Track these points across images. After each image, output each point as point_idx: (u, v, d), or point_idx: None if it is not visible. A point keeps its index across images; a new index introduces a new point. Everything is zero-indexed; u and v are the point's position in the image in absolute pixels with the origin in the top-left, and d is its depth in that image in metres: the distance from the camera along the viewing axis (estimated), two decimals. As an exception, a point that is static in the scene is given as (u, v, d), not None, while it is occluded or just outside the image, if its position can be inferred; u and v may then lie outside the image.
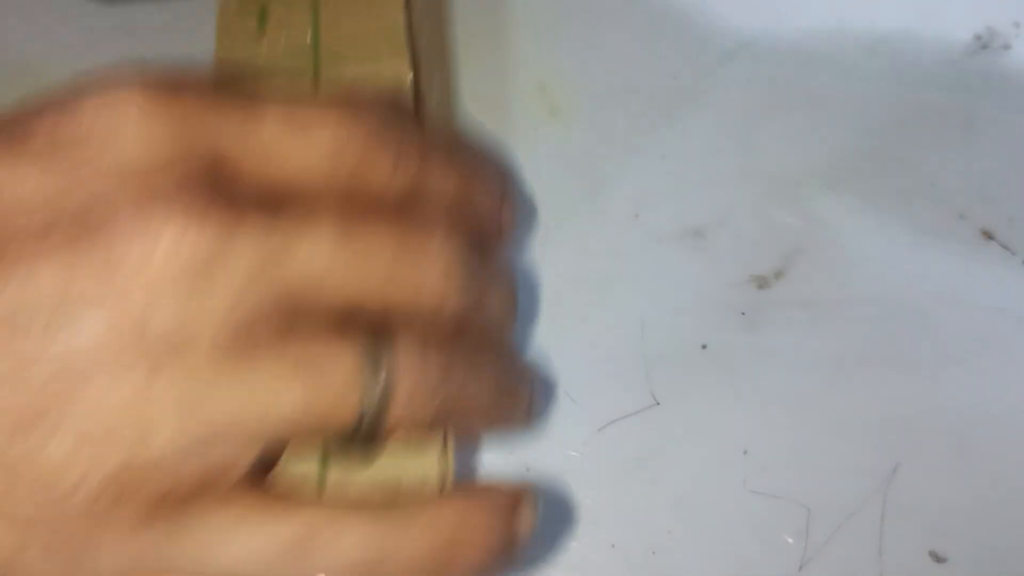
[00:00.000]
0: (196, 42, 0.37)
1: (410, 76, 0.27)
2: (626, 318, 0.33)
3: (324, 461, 0.22)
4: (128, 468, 0.18)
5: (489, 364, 0.22)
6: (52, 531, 0.18)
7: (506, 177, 0.25)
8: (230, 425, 0.18)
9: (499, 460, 0.31)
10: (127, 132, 0.18)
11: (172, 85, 0.19)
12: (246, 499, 0.19)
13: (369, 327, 0.20)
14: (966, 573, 0.30)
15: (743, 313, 0.33)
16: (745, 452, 0.32)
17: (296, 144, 0.20)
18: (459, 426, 0.23)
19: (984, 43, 0.38)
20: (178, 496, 0.19)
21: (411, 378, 0.20)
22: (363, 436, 0.20)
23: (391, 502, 0.20)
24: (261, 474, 0.20)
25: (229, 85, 0.21)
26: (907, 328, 0.33)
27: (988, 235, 0.35)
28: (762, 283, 0.34)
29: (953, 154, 0.36)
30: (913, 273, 0.34)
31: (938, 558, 0.30)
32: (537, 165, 0.35)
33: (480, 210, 0.23)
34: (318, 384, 0.19)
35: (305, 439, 0.20)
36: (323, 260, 0.19)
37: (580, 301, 0.34)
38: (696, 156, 0.36)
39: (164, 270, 0.18)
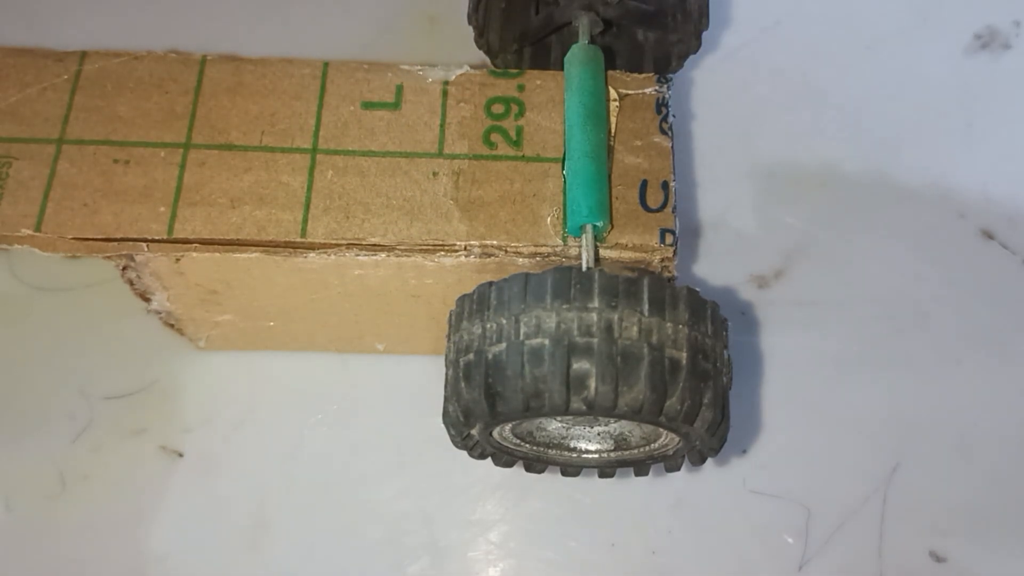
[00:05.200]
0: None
1: None
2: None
3: None
4: None
5: None
6: None
7: None
8: None
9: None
10: None
11: None
12: None
13: None
14: (966, 573, 0.30)
15: (743, 313, 0.33)
16: (745, 452, 0.32)
17: None
18: None
19: (984, 43, 0.38)
20: None
21: None
22: None
23: None
24: None
25: None
26: (907, 328, 0.33)
27: (988, 235, 0.35)
28: (762, 283, 0.34)
29: (953, 153, 0.36)
30: (913, 273, 0.34)
31: (938, 558, 0.30)
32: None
33: None
34: None
35: None
36: None
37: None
38: (696, 156, 0.36)
39: None
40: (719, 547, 0.30)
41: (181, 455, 0.31)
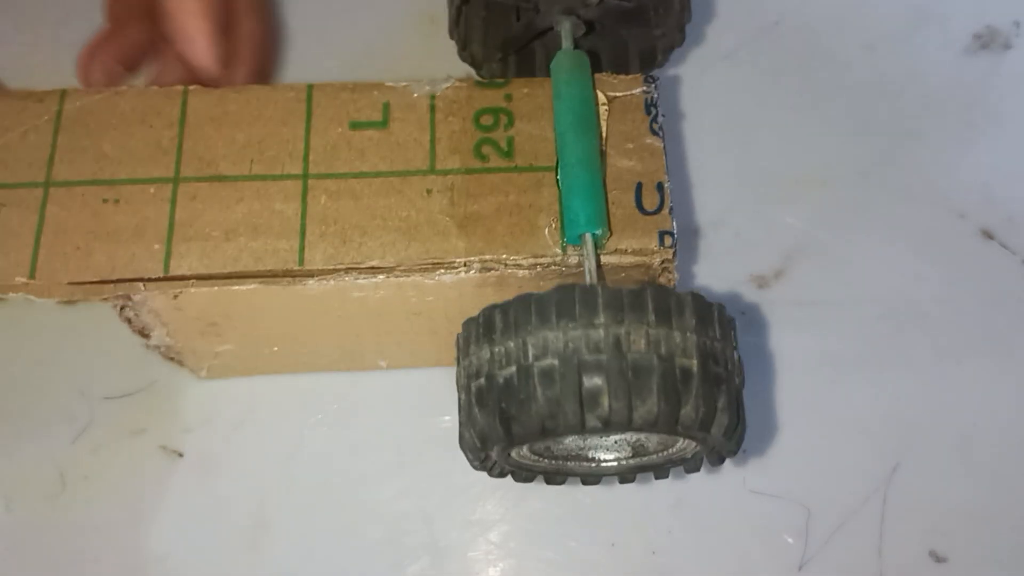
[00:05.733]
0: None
1: None
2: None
3: None
4: None
5: None
6: None
7: None
8: None
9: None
10: None
11: None
12: None
13: None
14: (966, 573, 0.30)
15: (743, 313, 0.33)
16: (745, 452, 0.32)
17: None
18: None
19: (984, 43, 0.38)
20: None
21: None
22: None
23: None
24: None
25: None
26: (907, 328, 0.33)
27: (988, 235, 0.35)
28: (762, 283, 0.34)
29: (953, 153, 0.36)
30: (913, 273, 0.34)
31: (938, 558, 0.30)
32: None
33: None
34: None
35: None
36: None
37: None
38: (696, 156, 0.36)
39: None
40: (719, 547, 0.30)
41: (181, 455, 0.31)
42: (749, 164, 0.36)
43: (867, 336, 0.33)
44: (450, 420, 0.31)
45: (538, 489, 0.31)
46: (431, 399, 0.32)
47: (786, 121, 0.37)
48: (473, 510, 0.31)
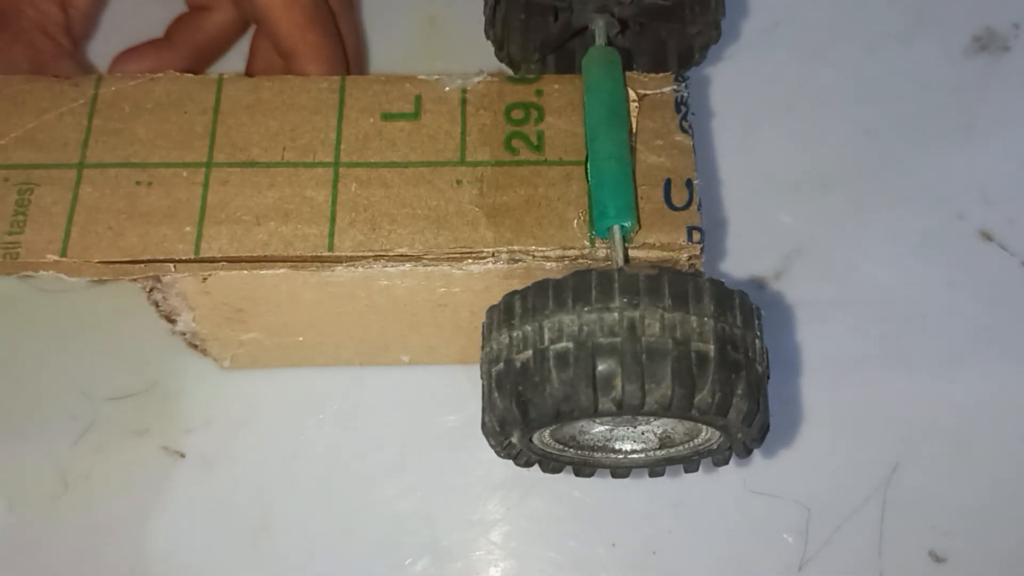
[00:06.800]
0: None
1: None
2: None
3: None
4: None
5: None
6: None
7: None
8: None
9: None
10: None
11: None
12: None
13: None
14: (966, 573, 0.30)
15: (743, 313, 0.34)
16: (745, 452, 0.32)
17: None
18: None
19: (983, 44, 0.38)
20: None
21: None
22: None
23: None
24: None
25: None
26: (907, 328, 0.33)
27: (988, 235, 0.35)
28: (762, 283, 0.34)
29: (953, 154, 0.36)
30: (913, 273, 0.34)
31: (938, 558, 0.30)
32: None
33: None
34: None
35: None
36: None
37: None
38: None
39: None
40: (719, 547, 0.30)
41: (183, 455, 0.31)
42: (749, 164, 0.36)
43: (867, 336, 0.33)
44: (453, 419, 0.32)
45: (539, 489, 0.31)
46: (434, 398, 0.32)
47: (786, 121, 0.37)
48: (474, 510, 0.31)
